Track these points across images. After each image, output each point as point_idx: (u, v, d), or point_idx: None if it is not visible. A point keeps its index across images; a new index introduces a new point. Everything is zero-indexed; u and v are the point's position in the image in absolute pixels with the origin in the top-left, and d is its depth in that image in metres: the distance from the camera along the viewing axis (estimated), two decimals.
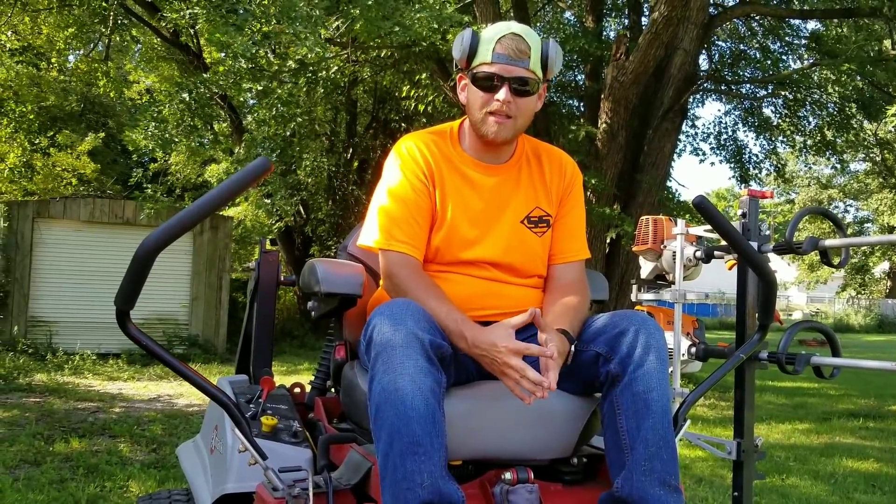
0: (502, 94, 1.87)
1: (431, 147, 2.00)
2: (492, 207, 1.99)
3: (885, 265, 35.47)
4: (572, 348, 1.77)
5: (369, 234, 1.95)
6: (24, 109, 12.75)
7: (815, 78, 12.00)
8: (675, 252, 3.61)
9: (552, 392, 1.64)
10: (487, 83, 1.89)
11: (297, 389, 2.46)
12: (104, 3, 10.22)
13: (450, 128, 2.07)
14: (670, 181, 10.67)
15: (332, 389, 2.38)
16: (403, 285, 1.85)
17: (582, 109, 11.51)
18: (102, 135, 14.23)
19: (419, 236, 1.93)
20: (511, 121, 1.91)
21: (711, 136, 13.54)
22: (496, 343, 1.66)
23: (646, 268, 4.07)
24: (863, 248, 30.54)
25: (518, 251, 1.99)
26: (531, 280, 2.03)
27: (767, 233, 3.04)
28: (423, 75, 9.76)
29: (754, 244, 2.95)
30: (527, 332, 1.81)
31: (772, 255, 3.03)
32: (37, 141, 13.42)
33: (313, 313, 2.20)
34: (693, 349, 3.38)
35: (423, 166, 1.97)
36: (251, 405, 2.14)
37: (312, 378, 2.47)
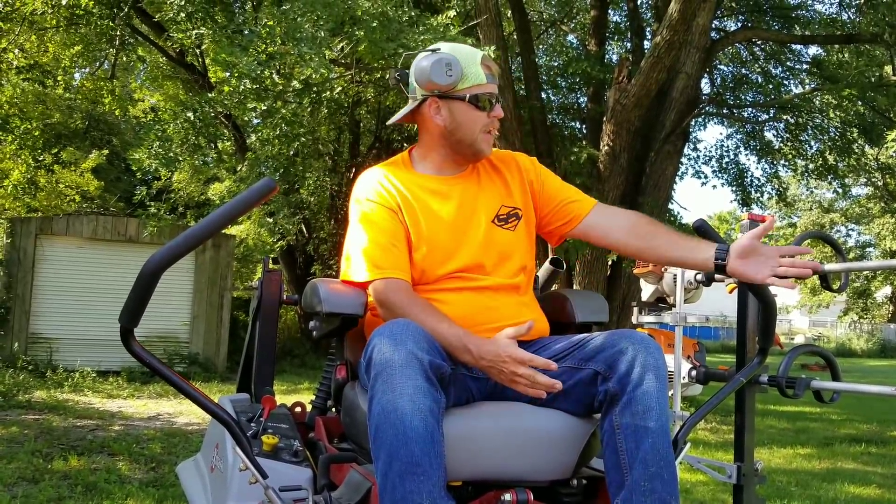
0: (499, 110, 2.01)
1: (389, 175, 2.06)
2: (462, 213, 2.03)
3: (888, 289, 35.40)
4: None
5: (355, 272, 1.97)
6: (30, 126, 12.80)
7: (817, 103, 12.06)
8: (675, 275, 3.61)
9: (552, 414, 1.64)
10: (487, 103, 1.99)
11: (298, 409, 2.45)
12: (111, 23, 10.31)
13: (400, 157, 2.15)
14: (672, 204, 10.70)
15: (333, 409, 2.38)
16: (400, 309, 1.85)
17: (584, 132, 11.56)
18: (106, 152, 14.28)
19: (403, 259, 1.96)
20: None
21: (713, 160, 13.60)
22: (500, 354, 1.68)
23: (647, 290, 4.08)
24: (864, 272, 30.53)
25: (496, 250, 2.03)
26: (518, 277, 2.05)
27: None
28: None
29: None
30: (529, 345, 1.83)
31: None
32: (41, 158, 13.46)
33: (315, 333, 2.21)
34: (693, 372, 3.38)
35: (387, 193, 2.01)
36: (252, 424, 2.14)
37: (313, 397, 2.48)
